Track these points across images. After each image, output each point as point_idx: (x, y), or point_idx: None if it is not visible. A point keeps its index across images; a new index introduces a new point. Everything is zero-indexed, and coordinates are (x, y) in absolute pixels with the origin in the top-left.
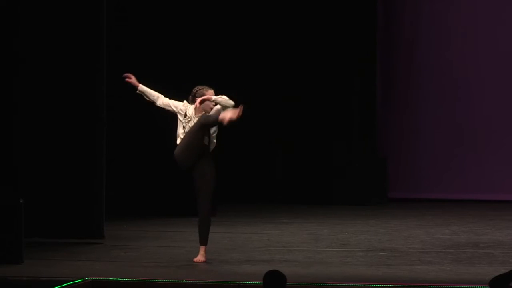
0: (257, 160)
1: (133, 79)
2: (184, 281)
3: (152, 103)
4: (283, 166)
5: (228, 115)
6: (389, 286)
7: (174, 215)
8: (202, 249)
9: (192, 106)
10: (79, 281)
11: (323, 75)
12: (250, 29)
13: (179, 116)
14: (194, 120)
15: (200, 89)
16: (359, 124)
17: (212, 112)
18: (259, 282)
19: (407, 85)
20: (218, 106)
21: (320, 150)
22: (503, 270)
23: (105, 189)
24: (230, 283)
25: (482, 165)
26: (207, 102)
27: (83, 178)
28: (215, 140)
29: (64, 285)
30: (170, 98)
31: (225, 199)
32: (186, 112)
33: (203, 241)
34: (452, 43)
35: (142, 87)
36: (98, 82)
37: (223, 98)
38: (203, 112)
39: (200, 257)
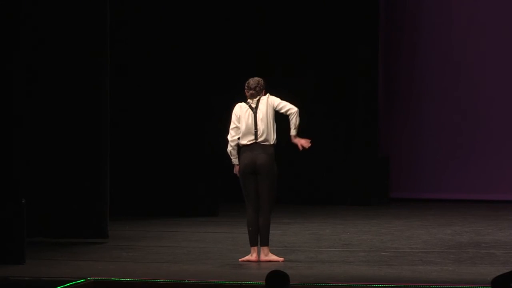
0: None
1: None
2: (186, 281)
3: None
4: (284, 166)
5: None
6: (391, 286)
7: (176, 215)
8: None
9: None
10: (81, 281)
11: (325, 74)
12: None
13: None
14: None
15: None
16: (360, 124)
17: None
18: (261, 282)
19: (409, 84)
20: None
21: (321, 150)
22: (505, 270)
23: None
24: (232, 283)
25: (484, 165)
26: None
27: (87, 177)
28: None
29: (66, 285)
30: None
31: (226, 198)
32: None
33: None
34: (455, 44)
35: None
36: (102, 83)
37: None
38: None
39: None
